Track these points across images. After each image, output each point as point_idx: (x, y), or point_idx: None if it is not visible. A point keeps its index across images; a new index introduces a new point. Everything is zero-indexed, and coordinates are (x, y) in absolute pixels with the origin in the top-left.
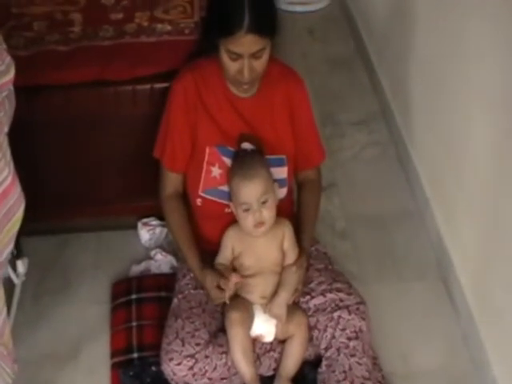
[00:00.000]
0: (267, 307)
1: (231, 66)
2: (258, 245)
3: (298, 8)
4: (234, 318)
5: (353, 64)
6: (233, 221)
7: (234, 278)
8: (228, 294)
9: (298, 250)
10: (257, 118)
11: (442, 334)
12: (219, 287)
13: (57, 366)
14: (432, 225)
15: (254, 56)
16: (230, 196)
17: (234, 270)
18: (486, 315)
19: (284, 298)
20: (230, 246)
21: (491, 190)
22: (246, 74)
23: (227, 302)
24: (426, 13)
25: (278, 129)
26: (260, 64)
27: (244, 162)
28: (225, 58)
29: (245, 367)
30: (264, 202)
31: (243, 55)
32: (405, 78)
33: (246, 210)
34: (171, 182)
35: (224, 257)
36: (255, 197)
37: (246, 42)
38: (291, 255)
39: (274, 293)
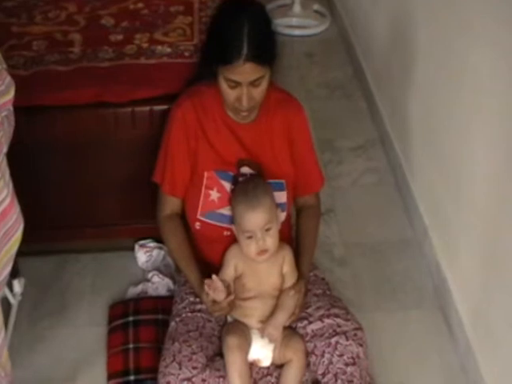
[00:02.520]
0: (263, 327)
1: (230, 94)
2: (260, 268)
3: (297, 32)
4: (232, 343)
5: (351, 89)
6: (231, 244)
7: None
8: (215, 295)
9: (297, 275)
10: (256, 143)
11: (439, 362)
12: (215, 301)
13: None
14: (430, 253)
15: (253, 84)
16: (229, 219)
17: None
18: (484, 344)
19: (280, 319)
20: (233, 263)
21: (490, 218)
22: (245, 102)
23: (220, 298)
24: (426, 39)
25: (277, 154)
26: (259, 92)
27: (248, 189)
28: (223, 85)
29: None
30: (267, 230)
31: (242, 83)
32: (403, 105)
33: (249, 237)
34: (169, 204)
35: (226, 274)
36: (259, 226)
37: (245, 71)
38: (290, 279)
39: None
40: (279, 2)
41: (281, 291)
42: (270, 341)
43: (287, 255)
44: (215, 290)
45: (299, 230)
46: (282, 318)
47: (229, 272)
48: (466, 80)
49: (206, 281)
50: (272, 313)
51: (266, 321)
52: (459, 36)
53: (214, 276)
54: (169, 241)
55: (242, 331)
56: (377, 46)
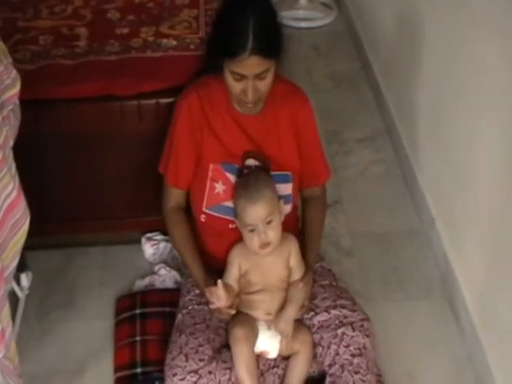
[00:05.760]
0: (274, 322)
1: (235, 86)
2: (265, 261)
3: (303, 24)
4: (239, 335)
5: (358, 81)
6: (237, 236)
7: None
8: (218, 302)
9: (305, 267)
10: (262, 135)
11: (446, 352)
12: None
13: (62, 382)
14: (437, 244)
15: (259, 77)
16: (234, 212)
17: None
18: (491, 334)
19: (291, 313)
20: (237, 263)
21: (497, 209)
22: (250, 95)
23: (222, 305)
24: (433, 31)
25: (283, 146)
26: (264, 84)
27: (248, 182)
28: (229, 78)
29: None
30: (269, 223)
31: (247, 76)
32: (410, 96)
33: (252, 231)
34: (174, 196)
35: (231, 275)
36: (260, 219)
37: (250, 64)
38: (298, 271)
39: (279, 309)
40: None
41: (288, 283)
42: (282, 335)
43: (293, 247)
44: (218, 298)
45: (305, 221)
46: (293, 312)
47: (233, 273)
48: (472, 71)
49: (207, 289)
50: (280, 305)
51: (273, 313)
52: (466, 27)
53: (219, 282)
54: (173, 234)
55: (249, 323)
56: (384, 38)
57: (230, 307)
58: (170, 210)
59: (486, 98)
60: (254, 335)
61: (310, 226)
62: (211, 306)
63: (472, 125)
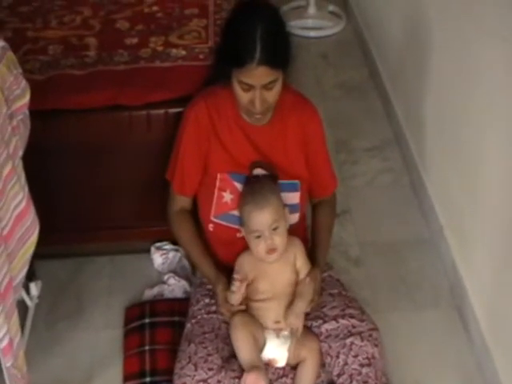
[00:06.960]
0: (284, 315)
1: (243, 97)
2: (272, 269)
3: (312, 33)
4: (235, 321)
5: (366, 90)
6: (245, 245)
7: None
8: (235, 291)
9: (311, 265)
10: (269, 146)
11: (455, 361)
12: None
13: None
14: (446, 252)
15: (266, 87)
16: (240, 220)
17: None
18: (501, 343)
19: (300, 307)
20: (243, 272)
21: (506, 217)
22: (258, 105)
23: (232, 302)
24: (441, 39)
25: (291, 156)
26: (272, 95)
27: (254, 189)
28: (237, 88)
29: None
30: (275, 229)
31: (255, 86)
32: (419, 105)
33: (258, 237)
34: (179, 202)
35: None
36: (266, 225)
37: (258, 74)
38: (304, 270)
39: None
40: (294, 3)
41: (295, 285)
42: (292, 330)
43: (298, 250)
44: (236, 291)
45: (314, 224)
46: (302, 306)
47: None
48: (480, 79)
49: (236, 276)
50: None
51: (281, 320)
52: (474, 35)
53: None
54: (180, 236)
55: (253, 321)
56: (392, 47)
57: (239, 304)
58: (174, 213)
59: (495, 106)
60: (262, 340)
61: (318, 229)
62: (235, 276)
63: (480, 132)
